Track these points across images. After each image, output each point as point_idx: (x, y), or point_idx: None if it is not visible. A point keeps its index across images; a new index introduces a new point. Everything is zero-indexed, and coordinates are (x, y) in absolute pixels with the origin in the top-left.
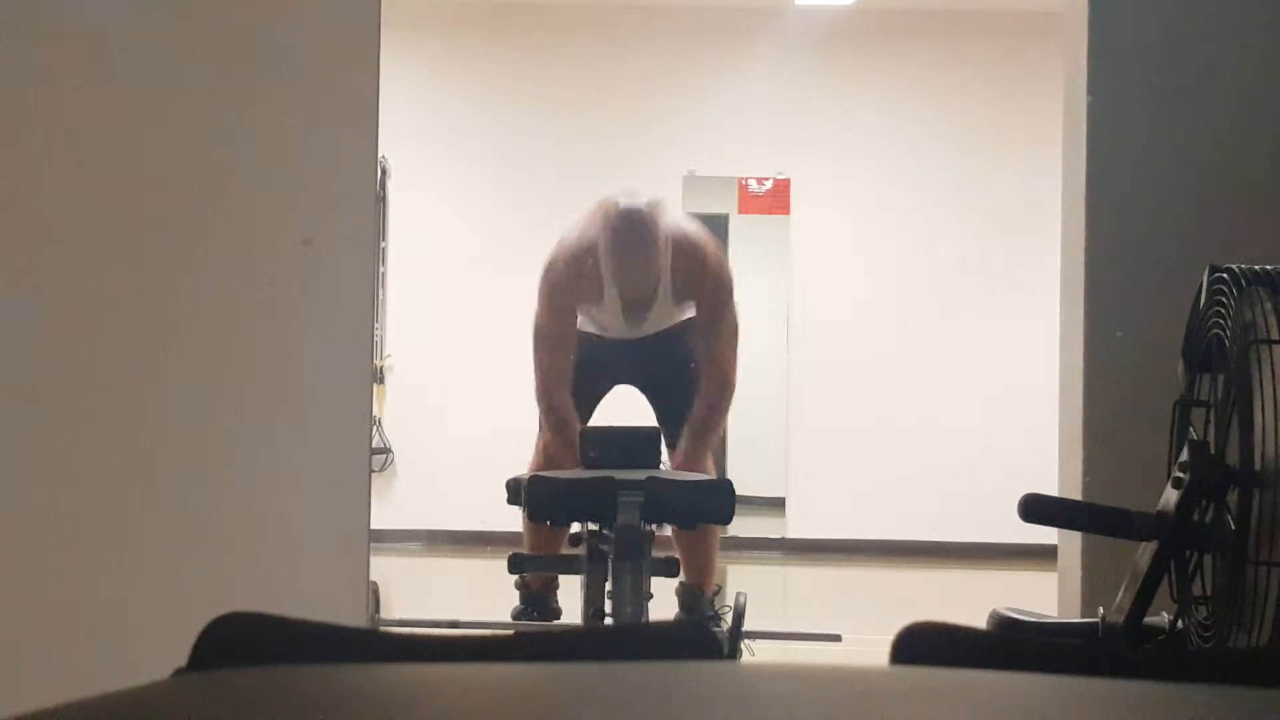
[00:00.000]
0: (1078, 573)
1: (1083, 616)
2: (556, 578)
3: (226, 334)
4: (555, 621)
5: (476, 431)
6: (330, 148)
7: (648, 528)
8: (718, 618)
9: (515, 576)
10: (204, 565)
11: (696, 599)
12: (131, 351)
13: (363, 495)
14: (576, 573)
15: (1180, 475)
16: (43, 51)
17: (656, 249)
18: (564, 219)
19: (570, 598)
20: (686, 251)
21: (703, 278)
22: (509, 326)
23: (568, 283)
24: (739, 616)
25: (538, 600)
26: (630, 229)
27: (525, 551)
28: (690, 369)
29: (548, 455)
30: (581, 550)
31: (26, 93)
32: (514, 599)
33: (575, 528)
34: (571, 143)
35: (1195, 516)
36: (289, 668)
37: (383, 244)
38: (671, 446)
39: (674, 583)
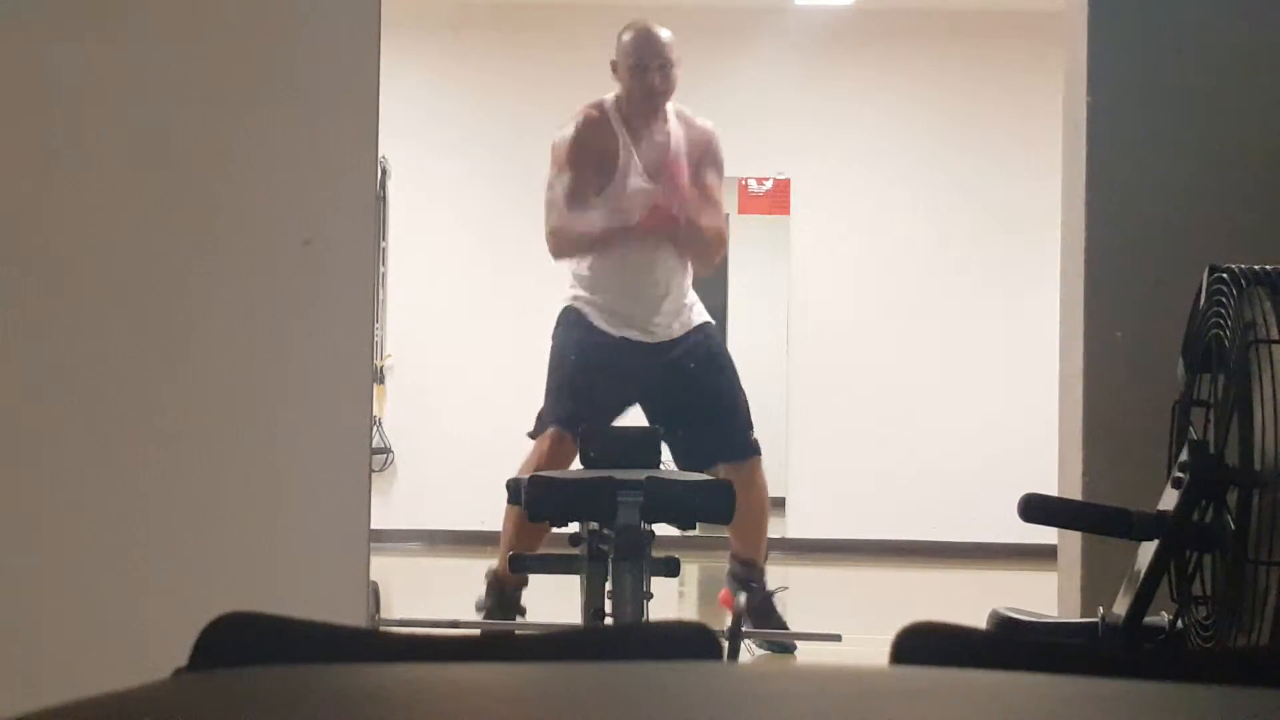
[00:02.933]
0: (1078, 573)
1: (1083, 616)
2: (527, 577)
3: (227, 334)
4: (520, 618)
5: (476, 431)
6: (330, 148)
7: (647, 528)
8: (772, 595)
9: (485, 570)
10: (204, 565)
11: (750, 571)
12: (131, 351)
13: (363, 495)
14: (576, 573)
15: (1180, 475)
16: (43, 52)
17: (673, 50)
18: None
19: (570, 598)
20: (689, 117)
21: (706, 135)
22: (509, 326)
23: (583, 132)
24: (739, 617)
25: (509, 599)
26: (652, 29)
27: (501, 544)
28: (711, 401)
29: (545, 453)
30: (581, 550)
31: (27, 93)
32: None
33: (574, 527)
34: None
35: (1195, 516)
36: (289, 668)
37: (383, 244)
38: (697, 467)
39: (674, 583)
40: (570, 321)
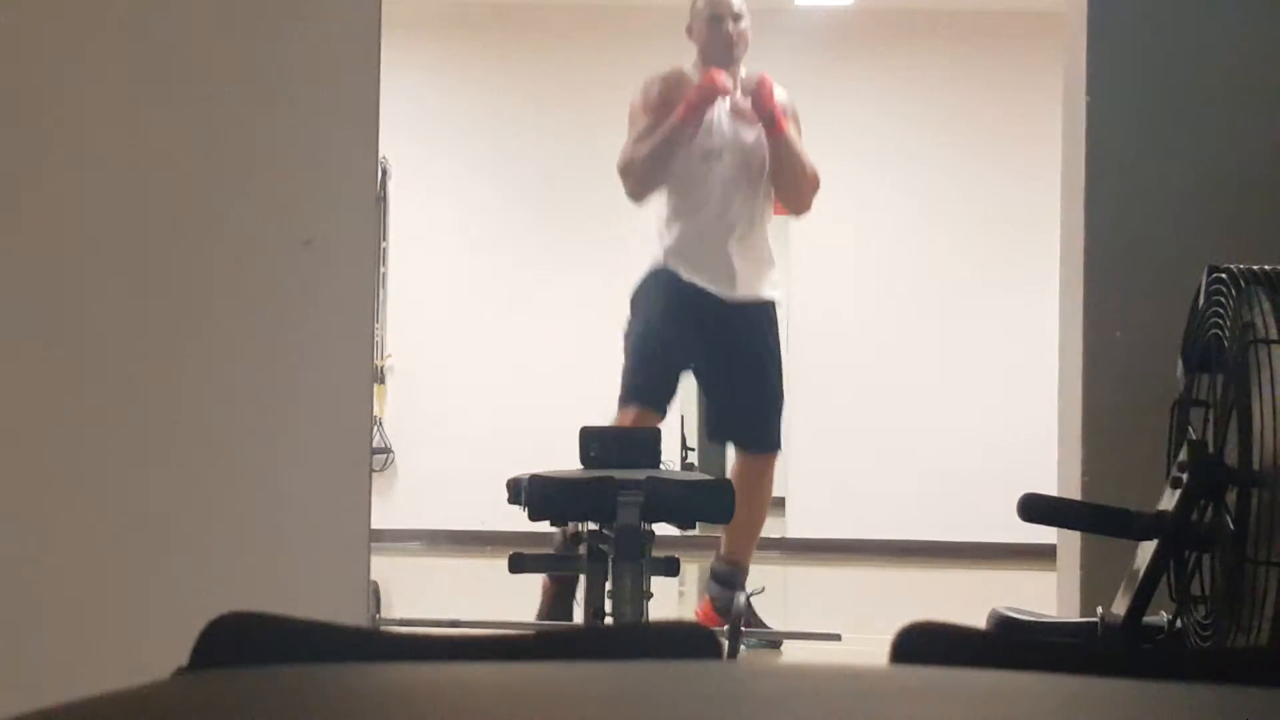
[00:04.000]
0: (1077, 573)
1: (1083, 616)
2: (576, 582)
3: (227, 334)
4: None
5: (476, 431)
6: (330, 148)
7: (647, 527)
8: (748, 600)
9: (541, 577)
10: (204, 565)
11: (735, 573)
12: (131, 351)
13: (363, 495)
14: (577, 573)
15: (1180, 475)
16: (43, 51)
17: (743, 6)
18: (564, 218)
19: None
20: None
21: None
22: (509, 326)
23: (654, 85)
24: (738, 617)
25: (564, 604)
26: None
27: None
28: (755, 381)
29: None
30: (581, 550)
31: (27, 93)
32: (512, 597)
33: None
34: (571, 142)
35: (1195, 516)
36: (289, 668)
37: (383, 244)
38: (720, 439)
39: (674, 583)
40: (651, 282)
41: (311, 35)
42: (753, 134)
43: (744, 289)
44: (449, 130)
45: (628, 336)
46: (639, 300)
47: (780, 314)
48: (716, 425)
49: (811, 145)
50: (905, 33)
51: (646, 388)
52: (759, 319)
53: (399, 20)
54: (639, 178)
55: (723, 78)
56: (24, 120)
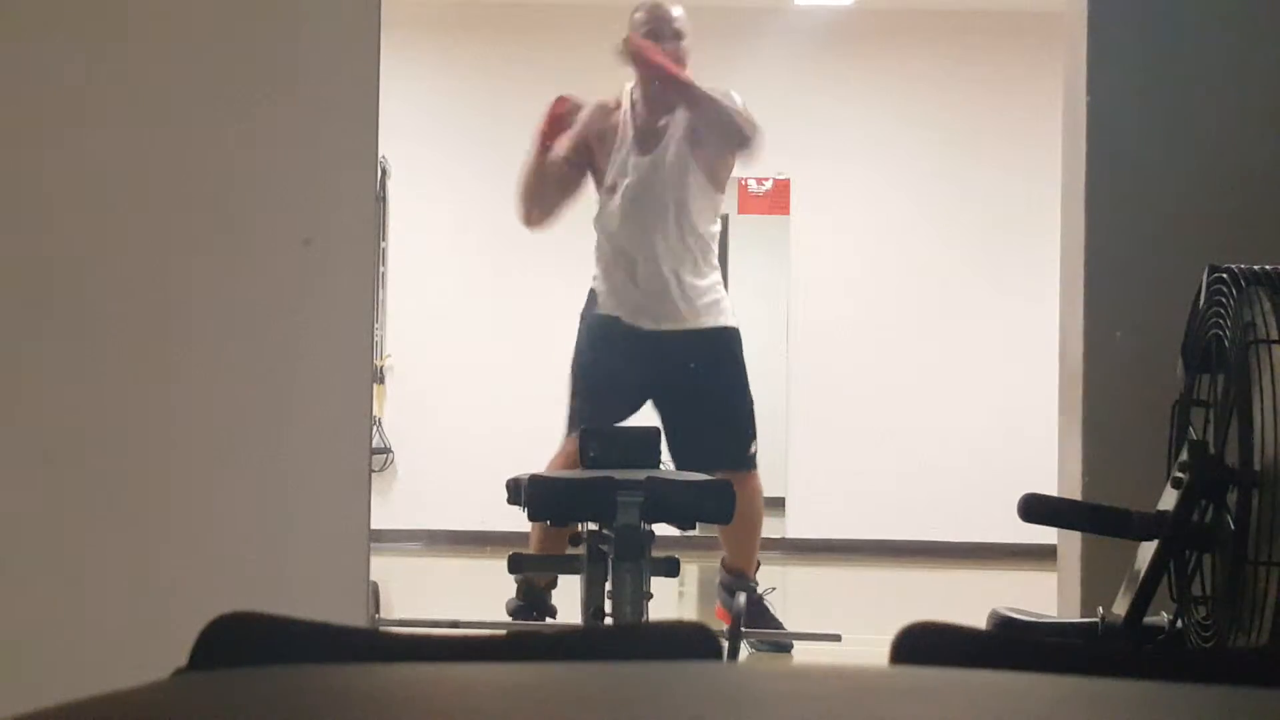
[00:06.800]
0: (1078, 573)
1: (1083, 616)
2: (556, 577)
3: (226, 334)
4: (551, 619)
5: (476, 431)
6: (330, 148)
7: (647, 528)
8: (763, 599)
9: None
10: (204, 565)
11: (740, 582)
12: (131, 351)
13: (363, 495)
14: (576, 573)
15: (1180, 475)
16: (42, 52)
17: (683, 24)
18: (564, 218)
19: (570, 598)
20: (714, 94)
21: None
22: (509, 326)
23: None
24: (738, 617)
25: (538, 597)
26: (662, 4)
27: (530, 550)
28: (718, 406)
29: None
30: (581, 550)
31: (27, 93)
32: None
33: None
34: None
35: (1195, 516)
36: (289, 668)
37: (383, 244)
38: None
39: (674, 583)
40: (590, 309)
41: (311, 35)
42: (653, 146)
43: (688, 318)
44: (449, 130)
45: (575, 365)
46: (585, 331)
47: (779, 314)
48: (686, 460)
49: (811, 145)
50: (905, 33)
51: (589, 420)
52: (710, 347)
53: (399, 20)
54: (522, 212)
55: (562, 105)
56: (24, 119)
